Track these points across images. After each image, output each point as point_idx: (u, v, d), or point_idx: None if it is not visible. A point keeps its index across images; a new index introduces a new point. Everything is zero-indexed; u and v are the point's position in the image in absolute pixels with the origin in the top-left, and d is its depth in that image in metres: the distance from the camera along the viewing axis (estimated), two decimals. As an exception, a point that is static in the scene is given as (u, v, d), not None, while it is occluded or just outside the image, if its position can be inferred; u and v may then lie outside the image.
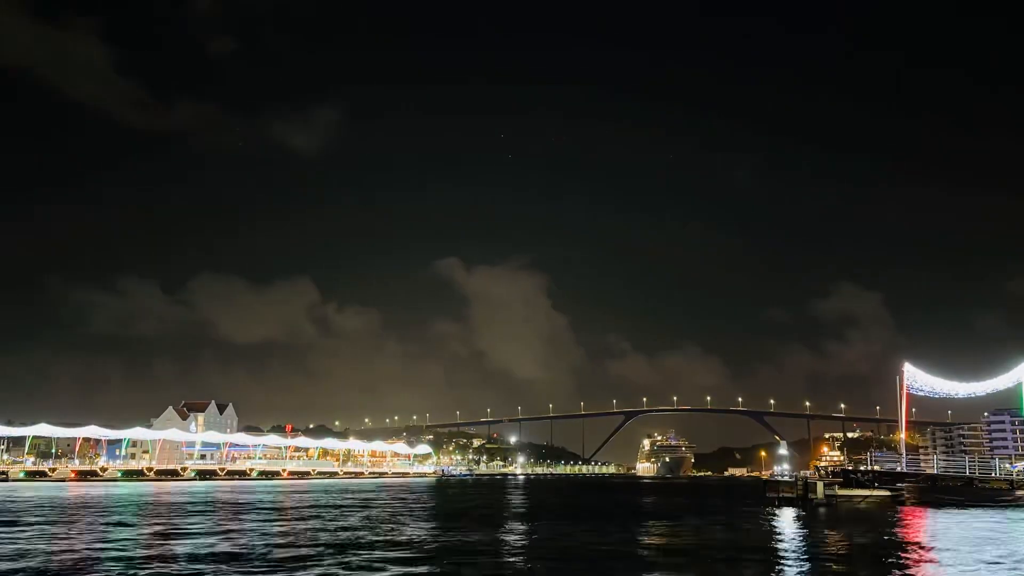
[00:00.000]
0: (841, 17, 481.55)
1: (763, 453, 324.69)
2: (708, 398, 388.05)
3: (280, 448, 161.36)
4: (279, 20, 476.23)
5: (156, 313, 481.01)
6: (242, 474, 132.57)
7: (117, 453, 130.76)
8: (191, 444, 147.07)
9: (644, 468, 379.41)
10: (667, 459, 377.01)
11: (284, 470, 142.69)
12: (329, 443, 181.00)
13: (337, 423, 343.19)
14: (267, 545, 29.31)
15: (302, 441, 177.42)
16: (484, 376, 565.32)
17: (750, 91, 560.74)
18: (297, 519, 42.89)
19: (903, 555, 28.53)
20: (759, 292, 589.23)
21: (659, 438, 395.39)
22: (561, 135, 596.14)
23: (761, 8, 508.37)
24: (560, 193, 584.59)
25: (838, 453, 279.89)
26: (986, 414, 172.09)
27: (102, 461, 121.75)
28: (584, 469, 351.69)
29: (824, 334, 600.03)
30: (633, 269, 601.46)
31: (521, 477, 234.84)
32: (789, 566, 25.95)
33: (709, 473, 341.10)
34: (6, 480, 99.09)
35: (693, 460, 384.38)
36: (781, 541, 34.26)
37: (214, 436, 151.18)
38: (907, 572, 24.75)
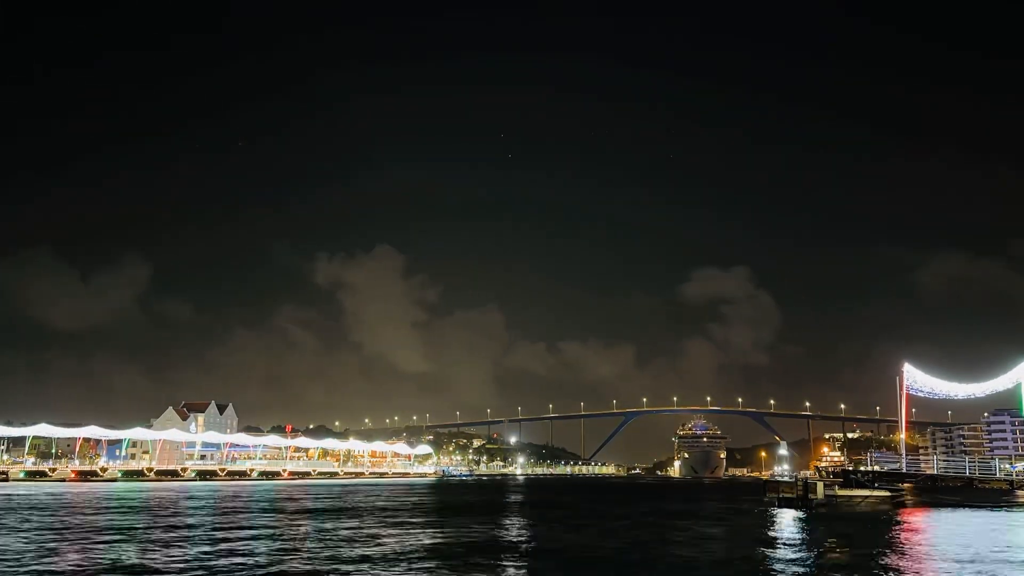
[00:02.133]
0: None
1: (763, 453, 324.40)
2: (708, 398, 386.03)
3: (280, 448, 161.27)
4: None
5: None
6: (242, 474, 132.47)
7: (117, 453, 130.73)
8: (191, 444, 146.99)
9: (676, 467, 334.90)
10: (685, 455, 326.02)
11: (284, 470, 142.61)
12: (329, 443, 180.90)
13: (337, 423, 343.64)
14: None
15: (302, 441, 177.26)
16: (368, 371, 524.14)
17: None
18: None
19: (903, 556, 28.54)
20: (628, 280, 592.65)
21: (688, 427, 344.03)
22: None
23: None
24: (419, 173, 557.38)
25: (838, 453, 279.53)
26: (986, 414, 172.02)
27: (102, 461, 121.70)
28: (584, 470, 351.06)
29: (704, 319, 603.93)
30: (513, 258, 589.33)
31: (521, 478, 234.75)
32: (789, 567, 25.97)
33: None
34: (6, 480, 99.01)
35: (724, 455, 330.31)
36: (781, 541, 34.27)
37: (214, 436, 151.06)
38: (906, 573, 24.76)
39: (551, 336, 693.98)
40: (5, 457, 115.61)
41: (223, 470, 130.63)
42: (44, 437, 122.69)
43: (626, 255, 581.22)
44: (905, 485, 63.15)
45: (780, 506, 57.91)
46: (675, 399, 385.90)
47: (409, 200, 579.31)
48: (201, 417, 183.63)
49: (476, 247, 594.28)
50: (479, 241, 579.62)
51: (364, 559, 26.22)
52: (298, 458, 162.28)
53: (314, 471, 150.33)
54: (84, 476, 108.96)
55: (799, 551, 30.42)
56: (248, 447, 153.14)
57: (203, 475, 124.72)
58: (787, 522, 44.77)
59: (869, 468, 75.84)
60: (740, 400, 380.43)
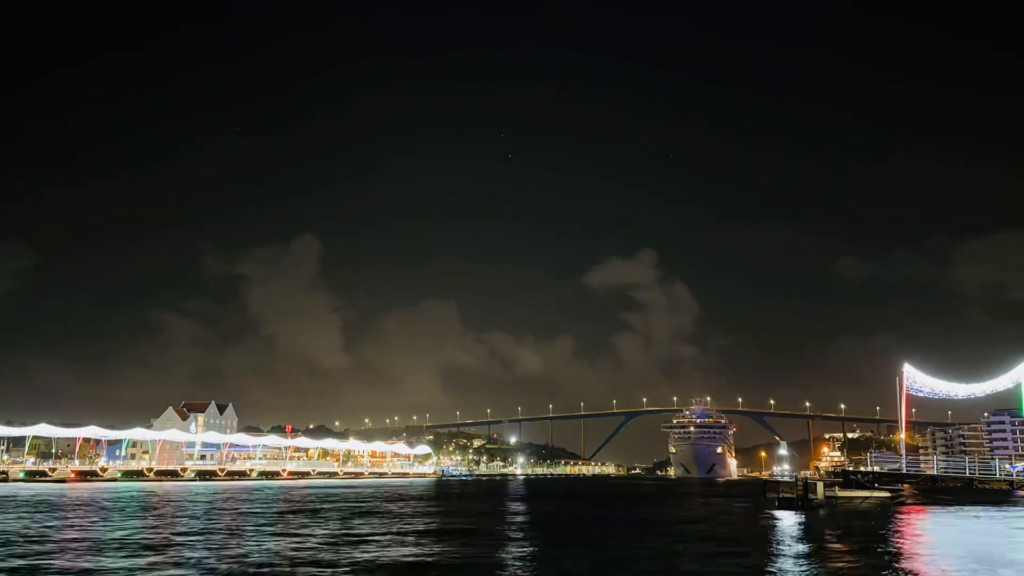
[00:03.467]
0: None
1: (763, 453, 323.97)
2: (708, 398, 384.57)
3: (280, 448, 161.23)
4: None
5: None
6: (242, 474, 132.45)
7: (117, 453, 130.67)
8: (191, 444, 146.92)
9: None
10: (673, 451, 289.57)
11: (284, 470, 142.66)
12: (329, 443, 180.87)
13: (337, 423, 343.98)
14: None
15: (302, 441, 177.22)
16: (285, 365, 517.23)
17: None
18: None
19: (903, 556, 28.50)
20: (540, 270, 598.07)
21: (685, 414, 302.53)
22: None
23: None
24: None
25: (838, 453, 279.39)
26: (986, 414, 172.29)
27: (102, 461, 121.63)
28: (584, 470, 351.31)
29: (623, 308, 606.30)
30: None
31: (521, 478, 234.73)
32: (789, 567, 25.92)
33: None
34: (6, 480, 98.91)
35: (724, 451, 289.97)
36: (780, 542, 34.22)
37: (214, 436, 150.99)
38: (906, 574, 24.72)
39: (548, 334, 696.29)
40: (5, 457, 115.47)
41: (223, 470, 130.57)
42: (44, 437, 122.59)
43: (627, 254, 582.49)
44: (905, 485, 63.20)
45: (780, 507, 57.86)
46: (675, 399, 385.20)
47: (408, 200, 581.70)
48: (201, 417, 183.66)
49: (476, 246, 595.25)
50: (479, 240, 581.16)
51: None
52: (298, 458, 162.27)
53: (313, 471, 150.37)
54: (84, 476, 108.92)
55: (799, 552, 30.37)
56: (248, 447, 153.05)
57: (203, 475, 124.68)
58: (787, 523, 44.71)
59: (869, 468, 75.87)
60: (740, 400, 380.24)
